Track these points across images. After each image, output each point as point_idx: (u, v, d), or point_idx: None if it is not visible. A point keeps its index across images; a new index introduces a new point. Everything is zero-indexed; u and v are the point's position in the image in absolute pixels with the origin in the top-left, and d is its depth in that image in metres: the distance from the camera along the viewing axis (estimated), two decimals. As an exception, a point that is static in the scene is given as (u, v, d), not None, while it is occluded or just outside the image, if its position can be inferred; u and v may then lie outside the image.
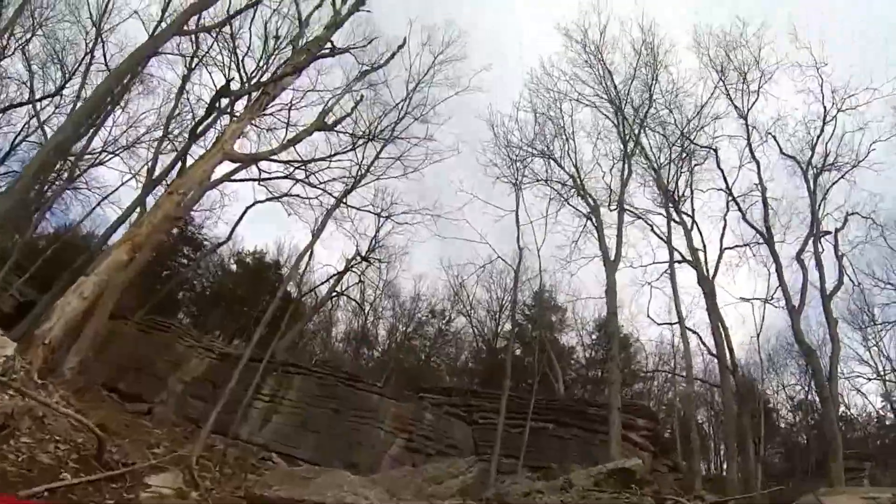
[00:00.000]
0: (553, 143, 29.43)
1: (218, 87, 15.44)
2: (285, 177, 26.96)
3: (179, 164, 19.82)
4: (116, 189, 28.67)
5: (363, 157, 27.92)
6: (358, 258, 30.86)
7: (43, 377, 10.02)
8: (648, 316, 40.54)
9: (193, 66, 24.55)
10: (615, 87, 28.69)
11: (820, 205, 24.66)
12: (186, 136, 21.33)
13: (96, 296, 10.36)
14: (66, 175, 26.55)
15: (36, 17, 24.59)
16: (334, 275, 31.52)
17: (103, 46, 24.39)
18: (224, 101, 16.41)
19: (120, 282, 18.75)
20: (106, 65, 24.33)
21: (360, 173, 27.80)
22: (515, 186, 28.65)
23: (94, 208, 28.53)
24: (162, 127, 25.86)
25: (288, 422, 23.31)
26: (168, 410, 23.11)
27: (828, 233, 24.63)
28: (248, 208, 27.88)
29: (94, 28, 24.41)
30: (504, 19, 54.14)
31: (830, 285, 23.26)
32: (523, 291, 36.08)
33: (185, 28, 15.00)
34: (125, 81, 23.46)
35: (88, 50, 24.76)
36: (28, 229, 25.62)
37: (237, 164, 22.18)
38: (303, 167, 26.71)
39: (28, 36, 24.91)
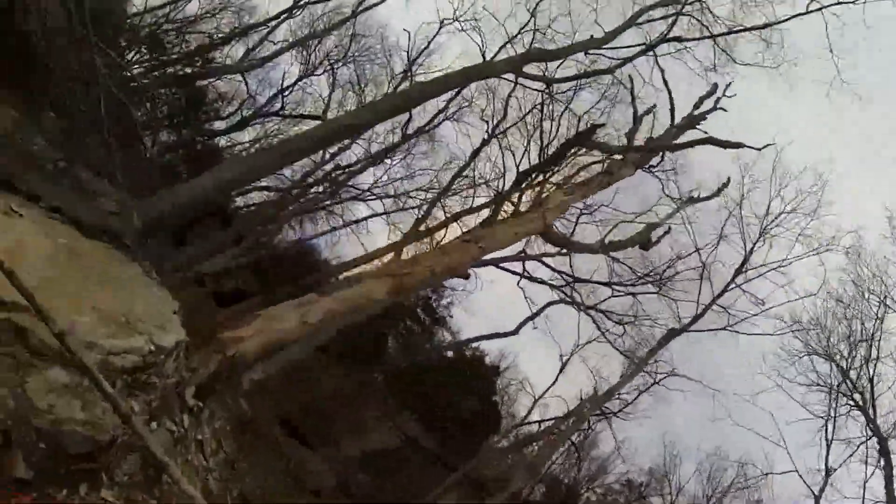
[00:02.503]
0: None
1: (579, 129, 11.95)
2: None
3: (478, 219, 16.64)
4: (364, 219, 26.27)
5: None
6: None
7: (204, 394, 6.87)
8: None
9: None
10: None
11: None
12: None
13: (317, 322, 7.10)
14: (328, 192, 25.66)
15: (349, 48, 24.76)
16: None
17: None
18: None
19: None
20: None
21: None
22: None
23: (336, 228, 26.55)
24: (443, 181, 23.12)
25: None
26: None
27: None
28: (547, 305, 22.67)
29: (403, 72, 23.42)
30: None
31: None
32: None
33: (525, 71, 12.24)
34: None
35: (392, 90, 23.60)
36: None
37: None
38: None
39: (339, 65, 24.99)
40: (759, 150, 15.11)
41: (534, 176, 11.62)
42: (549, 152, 11.57)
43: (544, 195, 9.91)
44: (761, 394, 21.36)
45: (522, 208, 10.88)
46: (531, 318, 22.69)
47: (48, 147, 7.42)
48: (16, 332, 4.88)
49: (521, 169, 13.64)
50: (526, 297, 22.33)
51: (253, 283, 22.95)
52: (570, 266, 20.27)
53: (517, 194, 11.46)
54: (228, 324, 6.81)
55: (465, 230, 9.73)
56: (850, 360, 21.03)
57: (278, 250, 25.71)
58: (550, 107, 16.39)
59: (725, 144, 12.75)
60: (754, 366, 22.11)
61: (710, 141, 12.64)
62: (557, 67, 16.11)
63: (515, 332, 23.78)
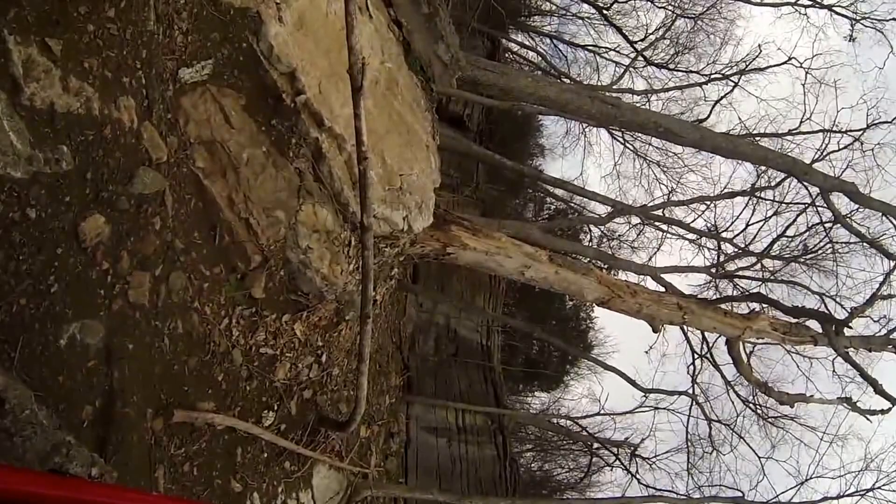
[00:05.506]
0: None
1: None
2: None
3: None
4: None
5: None
6: None
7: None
8: None
9: None
10: None
11: None
12: None
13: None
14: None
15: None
16: None
17: None
18: None
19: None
20: None
21: None
22: None
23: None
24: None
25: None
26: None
27: None
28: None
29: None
30: None
31: None
32: None
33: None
34: None
35: None
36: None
37: None
38: None
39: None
40: None
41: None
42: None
43: (758, 313, 8.85)
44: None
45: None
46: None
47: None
48: (315, 154, 5.05)
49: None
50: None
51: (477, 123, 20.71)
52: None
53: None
54: (463, 221, 6.79)
55: (684, 296, 8.81)
56: None
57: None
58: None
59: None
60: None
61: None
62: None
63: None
